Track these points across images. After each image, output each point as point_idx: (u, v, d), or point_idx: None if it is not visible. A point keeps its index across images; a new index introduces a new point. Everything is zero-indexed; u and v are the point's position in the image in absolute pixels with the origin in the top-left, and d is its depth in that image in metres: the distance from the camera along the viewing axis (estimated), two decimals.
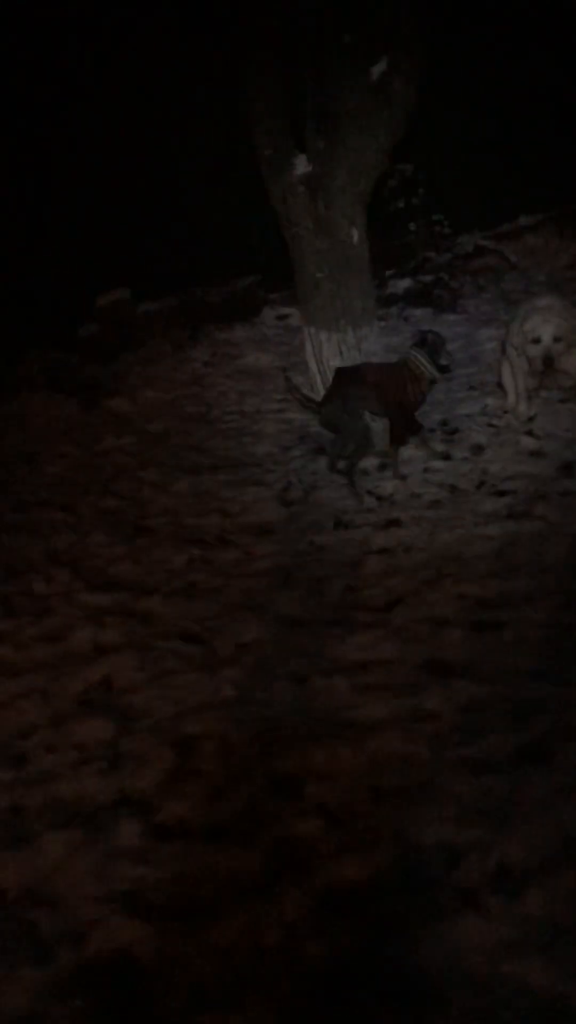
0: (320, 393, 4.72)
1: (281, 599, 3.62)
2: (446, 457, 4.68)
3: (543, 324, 4.75)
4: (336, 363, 4.58)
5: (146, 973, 2.20)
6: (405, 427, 4.64)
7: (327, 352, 4.57)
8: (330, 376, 4.61)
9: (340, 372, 4.56)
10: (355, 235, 4.43)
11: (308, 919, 2.26)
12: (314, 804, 2.59)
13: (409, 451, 4.68)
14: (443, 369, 4.74)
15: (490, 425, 5.06)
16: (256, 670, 3.19)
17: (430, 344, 4.67)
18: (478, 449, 4.75)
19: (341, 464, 4.49)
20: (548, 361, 4.75)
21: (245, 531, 4.19)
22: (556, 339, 4.73)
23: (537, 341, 4.76)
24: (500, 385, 5.27)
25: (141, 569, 3.98)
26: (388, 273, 8.39)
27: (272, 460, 4.94)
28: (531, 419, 5.06)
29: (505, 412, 5.19)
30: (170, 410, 5.88)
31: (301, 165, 4.30)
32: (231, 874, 2.41)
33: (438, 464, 4.62)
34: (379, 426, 4.50)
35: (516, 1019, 1.96)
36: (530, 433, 4.87)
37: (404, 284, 8.43)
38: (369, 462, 4.66)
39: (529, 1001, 1.99)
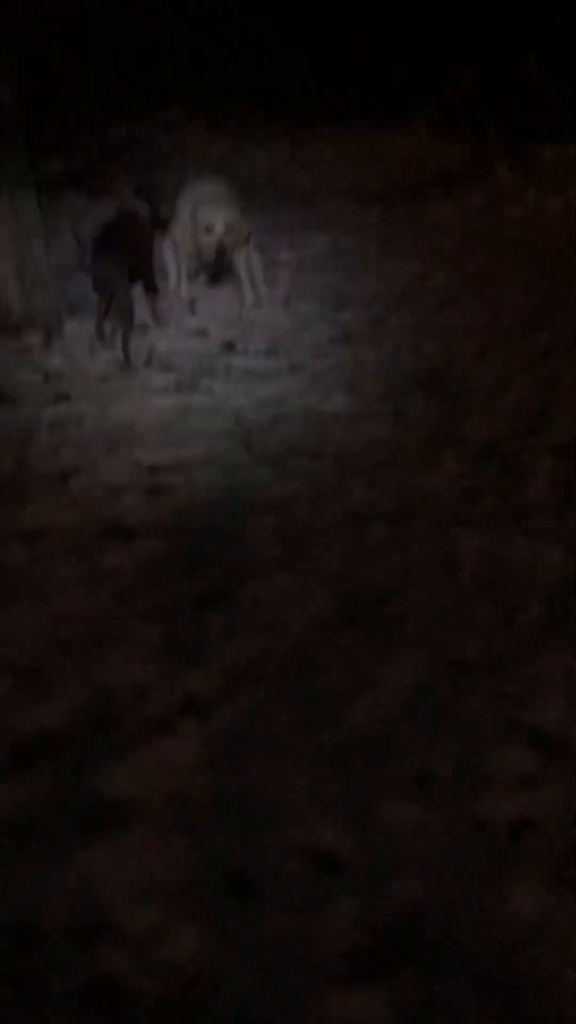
0: None
1: None
2: (112, 335, 4.65)
3: (214, 213, 4.87)
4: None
5: None
6: (151, 275, 4.68)
7: None
8: None
9: (98, 238, 4.46)
10: (5, 93, 4.15)
11: (4, 769, 2.25)
12: (1, 664, 2.55)
13: (74, 328, 4.59)
14: (162, 223, 4.83)
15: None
16: None
17: (149, 192, 4.78)
18: (143, 328, 4.77)
19: (113, 330, 4.43)
20: (221, 251, 4.89)
21: None
22: (228, 229, 4.87)
23: (209, 230, 4.87)
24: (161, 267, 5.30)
25: None
26: (36, 157, 7.98)
27: None
28: (194, 301, 5.17)
29: (169, 293, 5.25)
30: None
31: None
32: None
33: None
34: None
35: (213, 820, 2.12)
36: (192, 313, 4.99)
37: (55, 168, 8.07)
38: (34, 337, 4.51)
39: (225, 802, 2.16)
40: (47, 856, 2.05)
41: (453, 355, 4.45)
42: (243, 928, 1.87)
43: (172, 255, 5.16)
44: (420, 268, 5.71)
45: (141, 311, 4.70)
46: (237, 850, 2.05)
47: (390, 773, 2.22)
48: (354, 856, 2.03)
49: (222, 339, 4.69)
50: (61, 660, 2.57)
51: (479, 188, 7.12)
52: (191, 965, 1.80)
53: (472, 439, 3.67)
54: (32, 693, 2.46)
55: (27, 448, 3.66)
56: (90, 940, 1.85)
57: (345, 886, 1.95)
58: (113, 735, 2.33)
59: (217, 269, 5.29)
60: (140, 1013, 1.73)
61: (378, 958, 1.81)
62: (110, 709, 2.41)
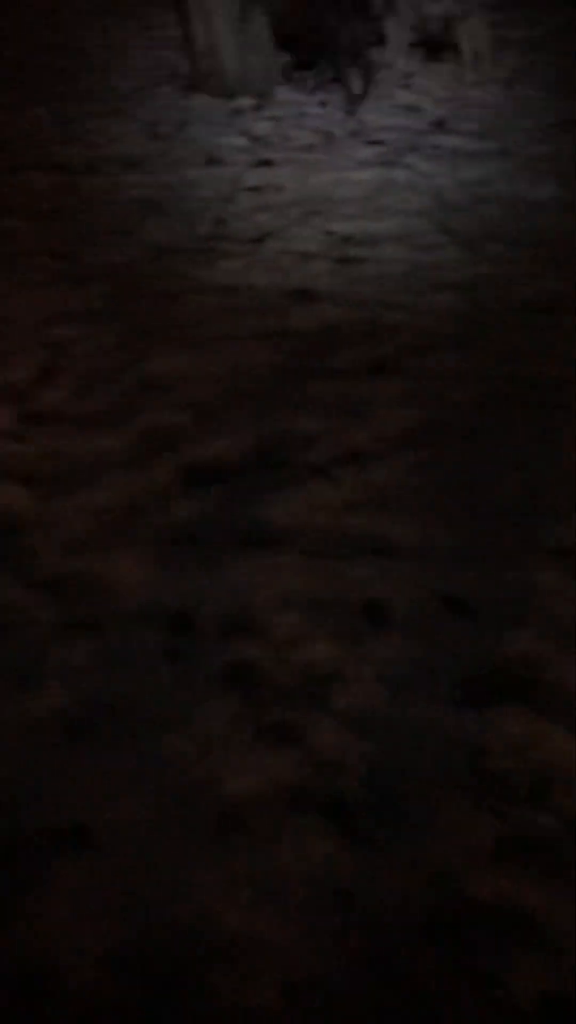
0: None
1: (150, 227, 3.60)
2: (323, 104, 4.55)
3: None
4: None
5: (24, 529, 2.40)
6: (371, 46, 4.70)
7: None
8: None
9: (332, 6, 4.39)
10: None
11: (177, 487, 2.50)
12: (182, 400, 2.77)
13: (284, 93, 4.51)
14: None
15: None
16: (125, 287, 3.23)
17: None
18: (355, 99, 4.63)
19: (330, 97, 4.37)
20: (446, 22, 4.63)
21: (112, 161, 4.03)
22: None
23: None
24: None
25: None
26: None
27: (140, 95, 4.67)
28: (409, 75, 4.94)
29: (384, 67, 5.03)
30: (25, 37, 5.34)
31: None
32: (104, 451, 2.60)
33: (314, 110, 4.51)
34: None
35: (357, 555, 2.30)
36: (407, 88, 4.78)
37: None
38: (245, 101, 4.49)
39: (371, 542, 2.32)
40: (208, 563, 2.30)
41: None
42: (371, 646, 2.07)
43: (394, 26, 4.90)
44: None
45: (356, 82, 4.56)
46: (376, 583, 2.22)
47: (531, 541, 2.31)
48: (484, 605, 2.17)
49: (433, 116, 4.50)
50: (238, 403, 2.75)
51: None
52: (320, 667, 2.03)
53: None
54: (210, 428, 2.67)
55: (227, 209, 3.75)
56: (236, 634, 2.11)
57: (471, 628, 2.10)
58: (277, 473, 2.52)
59: (440, 42, 5.00)
60: (272, 695, 1.98)
61: (490, 692, 1.97)
62: (278, 451, 2.59)
